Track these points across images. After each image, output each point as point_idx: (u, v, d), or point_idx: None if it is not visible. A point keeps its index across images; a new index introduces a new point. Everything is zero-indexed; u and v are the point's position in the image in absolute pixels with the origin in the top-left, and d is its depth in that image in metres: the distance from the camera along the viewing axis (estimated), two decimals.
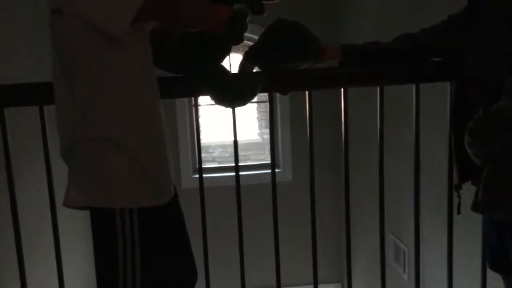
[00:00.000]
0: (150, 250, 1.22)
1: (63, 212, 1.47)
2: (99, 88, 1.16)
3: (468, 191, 1.43)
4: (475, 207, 1.31)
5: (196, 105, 4.25)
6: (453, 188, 1.56)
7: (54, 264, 1.60)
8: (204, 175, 1.71)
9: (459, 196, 1.49)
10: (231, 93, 1.39)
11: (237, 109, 1.60)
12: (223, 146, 6.70)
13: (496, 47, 1.29)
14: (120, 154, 1.17)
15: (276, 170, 4.41)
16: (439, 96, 1.61)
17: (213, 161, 6.49)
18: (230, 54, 1.53)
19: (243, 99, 1.43)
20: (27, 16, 2.53)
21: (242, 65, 1.48)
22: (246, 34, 1.32)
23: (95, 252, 1.26)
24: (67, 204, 1.21)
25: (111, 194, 1.18)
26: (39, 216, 2.12)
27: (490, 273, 1.54)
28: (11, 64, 2.32)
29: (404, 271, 2.98)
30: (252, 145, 6.76)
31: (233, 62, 4.26)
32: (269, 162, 1.70)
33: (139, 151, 1.19)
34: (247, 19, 1.34)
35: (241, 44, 1.35)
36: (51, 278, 1.67)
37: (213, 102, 1.45)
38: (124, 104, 1.18)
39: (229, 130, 1.71)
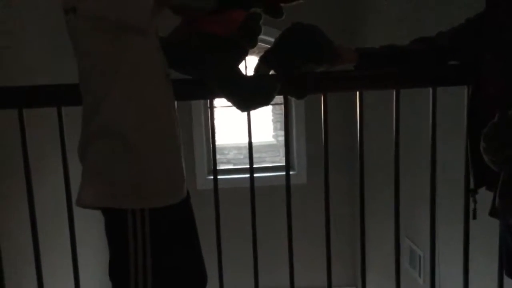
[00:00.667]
0: (161, 250, 1.22)
1: (80, 212, 1.49)
2: (114, 81, 1.17)
3: (486, 196, 1.41)
4: (492, 213, 1.29)
5: (212, 107, 4.25)
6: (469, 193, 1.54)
7: (71, 264, 1.63)
8: (219, 177, 1.72)
9: (474, 201, 1.47)
10: (248, 97, 1.39)
11: (252, 111, 1.60)
12: (238, 148, 6.71)
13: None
14: (131, 154, 1.17)
15: (291, 172, 4.42)
16: (456, 100, 1.60)
17: (228, 162, 6.51)
18: (247, 57, 1.54)
19: (260, 103, 1.44)
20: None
21: (258, 68, 1.48)
22: (263, 37, 1.32)
23: (110, 252, 1.27)
24: (79, 203, 1.22)
25: (122, 195, 1.18)
26: (56, 217, 2.15)
27: (507, 279, 1.52)
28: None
29: (420, 276, 2.96)
30: (267, 147, 6.76)
31: (249, 65, 4.28)
32: (284, 164, 1.70)
33: (151, 151, 1.19)
34: (261, 22, 1.34)
35: (257, 47, 1.35)
36: (68, 278, 1.69)
37: (229, 104, 1.46)
38: (138, 102, 1.18)
39: (244, 132, 1.71)
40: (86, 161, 1.22)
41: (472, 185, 1.47)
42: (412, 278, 3.05)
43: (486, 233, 1.79)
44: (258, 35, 1.36)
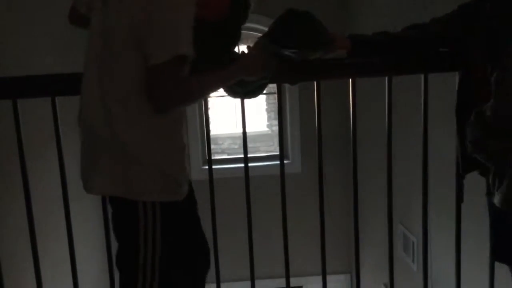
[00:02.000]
0: (169, 238, 1.34)
1: (75, 205, 1.49)
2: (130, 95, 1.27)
3: (478, 179, 1.43)
4: (489, 194, 1.33)
5: (206, 97, 4.26)
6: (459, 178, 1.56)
7: (67, 250, 1.63)
8: (213, 167, 1.72)
9: (462, 185, 1.50)
10: (244, 83, 1.41)
11: (246, 100, 1.61)
12: (233, 138, 6.71)
13: (498, 36, 1.29)
14: (144, 167, 1.29)
15: (285, 161, 4.42)
16: (448, 86, 1.61)
17: (222, 152, 6.52)
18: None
19: (255, 91, 1.45)
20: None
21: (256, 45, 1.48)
22: (254, 25, 1.33)
23: (118, 242, 1.37)
24: (91, 191, 1.35)
25: (137, 192, 1.31)
26: (52, 208, 2.16)
27: (498, 263, 1.54)
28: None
29: (413, 262, 2.99)
30: (261, 137, 6.77)
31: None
32: (278, 153, 1.71)
33: (163, 164, 1.31)
34: None
35: (248, 37, 1.36)
36: (64, 265, 1.70)
37: (223, 93, 1.46)
38: (155, 121, 1.29)
39: (238, 122, 1.72)
40: (101, 154, 1.31)
41: (461, 171, 1.49)
42: (406, 264, 3.09)
43: (478, 218, 1.81)
44: (249, 8, 1.40)
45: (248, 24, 1.76)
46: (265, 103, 6.35)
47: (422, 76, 1.58)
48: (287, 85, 1.56)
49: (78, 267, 1.67)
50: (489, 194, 1.35)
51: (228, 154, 6.09)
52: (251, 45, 1.52)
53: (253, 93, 1.52)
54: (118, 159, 1.29)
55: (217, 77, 1.35)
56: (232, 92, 1.50)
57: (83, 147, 1.37)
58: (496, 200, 1.27)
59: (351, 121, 1.62)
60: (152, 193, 1.31)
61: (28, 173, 1.58)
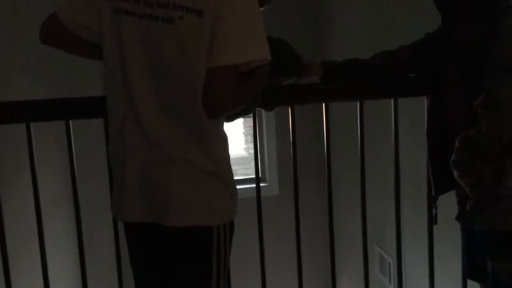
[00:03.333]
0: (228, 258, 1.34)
1: (50, 229, 1.48)
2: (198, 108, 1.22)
3: (450, 200, 1.47)
4: (459, 217, 1.36)
5: None
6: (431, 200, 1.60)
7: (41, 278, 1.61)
8: None
9: (435, 207, 1.53)
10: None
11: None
12: None
13: (475, 59, 1.33)
14: (217, 180, 1.27)
15: (263, 184, 4.43)
16: (419, 108, 1.66)
17: None
18: None
19: (242, 114, 1.47)
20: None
21: None
22: None
23: (186, 270, 1.30)
24: (167, 222, 1.26)
25: (212, 214, 1.27)
26: (26, 230, 2.12)
27: (471, 282, 1.58)
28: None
29: (390, 283, 3.02)
30: (238, 160, 6.78)
31: None
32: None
33: (228, 176, 1.30)
34: None
35: None
36: None
37: None
38: (223, 133, 1.30)
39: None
40: (171, 182, 1.25)
41: (432, 192, 1.54)
42: (382, 284, 3.11)
43: (452, 237, 1.85)
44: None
45: None
46: (242, 126, 6.39)
47: (392, 101, 1.64)
48: (263, 110, 1.59)
49: None
50: (463, 217, 1.37)
51: None
52: None
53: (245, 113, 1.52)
54: (197, 179, 1.24)
55: (249, 87, 1.31)
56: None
57: (132, 175, 1.27)
58: (478, 221, 1.30)
59: (325, 144, 1.66)
60: (228, 212, 1.30)
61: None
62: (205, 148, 1.24)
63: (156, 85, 1.22)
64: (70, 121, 1.55)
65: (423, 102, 1.62)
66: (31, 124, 1.54)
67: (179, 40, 1.17)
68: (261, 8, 1.35)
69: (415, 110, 1.73)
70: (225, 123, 1.36)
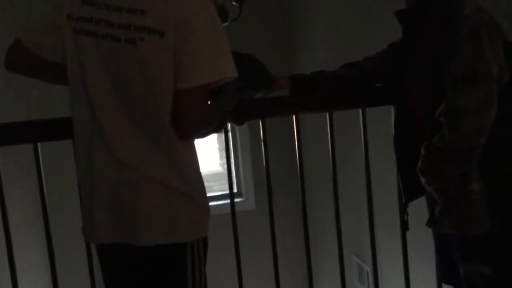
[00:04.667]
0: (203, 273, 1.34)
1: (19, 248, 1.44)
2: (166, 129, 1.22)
3: (422, 206, 1.50)
4: (429, 223, 1.39)
5: None
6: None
7: None
8: None
9: (406, 214, 1.56)
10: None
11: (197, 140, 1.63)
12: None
13: (436, 69, 1.37)
14: (188, 198, 1.26)
15: (239, 199, 4.42)
16: (388, 117, 1.70)
17: None
18: None
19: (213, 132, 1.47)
20: None
21: None
22: None
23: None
24: (140, 242, 1.24)
25: (184, 231, 1.26)
26: None
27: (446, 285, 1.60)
28: None
29: None
30: (214, 176, 6.74)
31: None
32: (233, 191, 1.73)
33: (199, 193, 1.30)
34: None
35: None
36: None
37: None
38: (193, 151, 1.30)
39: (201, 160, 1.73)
40: (137, 201, 1.24)
41: (403, 199, 1.56)
42: None
43: (425, 242, 1.88)
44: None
45: None
46: (216, 142, 6.38)
47: (360, 110, 1.67)
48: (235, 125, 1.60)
49: None
50: (432, 223, 1.40)
51: None
52: None
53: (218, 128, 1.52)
54: (167, 198, 1.23)
55: (218, 106, 1.32)
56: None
57: (102, 196, 1.25)
58: (446, 226, 1.33)
59: (297, 155, 1.67)
60: (200, 228, 1.29)
61: None
62: (175, 167, 1.24)
63: (121, 105, 1.21)
64: (39, 144, 1.52)
65: (391, 111, 1.65)
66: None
67: (141, 60, 1.17)
68: (224, 24, 1.37)
69: (386, 118, 1.76)
70: (196, 139, 1.36)
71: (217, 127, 1.43)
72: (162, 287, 1.29)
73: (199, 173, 1.32)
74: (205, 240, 1.33)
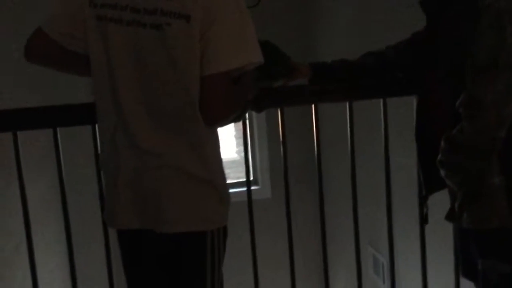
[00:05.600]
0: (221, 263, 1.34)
1: (39, 238, 1.46)
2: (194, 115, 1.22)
3: (441, 200, 1.47)
4: (449, 217, 1.36)
5: None
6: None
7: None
8: None
9: (426, 206, 1.54)
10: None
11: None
12: None
13: (457, 60, 1.34)
14: (210, 186, 1.26)
15: (255, 187, 4.43)
16: (409, 108, 1.67)
17: None
18: None
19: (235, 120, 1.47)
20: None
21: None
22: None
23: (180, 275, 1.30)
24: (162, 229, 1.25)
25: (205, 219, 1.27)
26: (15, 238, 2.10)
27: (465, 280, 1.58)
28: None
29: (384, 283, 3.02)
30: (230, 163, 6.76)
31: None
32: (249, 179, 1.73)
33: (221, 181, 1.30)
34: None
35: None
36: None
37: None
38: (216, 138, 1.31)
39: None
40: (161, 190, 1.24)
41: (423, 192, 1.54)
42: (376, 285, 3.11)
43: (444, 236, 1.86)
44: None
45: None
46: (233, 129, 6.38)
47: (381, 100, 1.64)
48: (253, 112, 1.59)
49: None
50: (452, 216, 1.38)
51: None
52: None
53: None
54: (190, 186, 1.24)
55: (243, 91, 1.31)
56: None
57: (126, 185, 1.26)
58: (465, 220, 1.31)
59: (315, 145, 1.66)
60: (221, 217, 1.29)
61: None
62: (198, 154, 1.24)
63: (146, 92, 1.21)
64: (58, 129, 1.53)
65: (413, 102, 1.62)
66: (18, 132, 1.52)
67: (167, 46, 1.16)
68: (251, 6, 1.36)
69: (406, 109, 1.73)
70: (219, 127, 1.36)
71: (238, 116, 1.43)
72: (181, 274, 1.30)
73: (221, 161, 1.32)
74: (225, 229, 1.33)
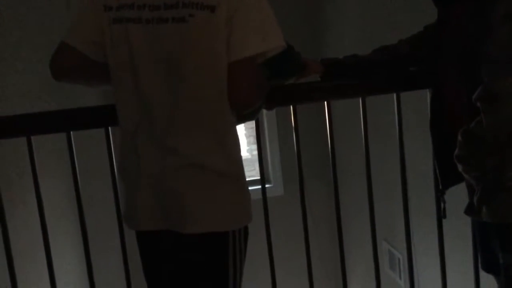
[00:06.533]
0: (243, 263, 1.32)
1: (54, 240, 1.46)
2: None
3: (459, 194, 1.45)
4: (468, 211, 1.35)
5: None
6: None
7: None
8: None
9: (443, 201, 1.52)
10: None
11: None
12: None
13: (471, 53, 1.32)
14: (233, 183, 1.25)
15: (267, 185, 4.43)
16: (423, 102, 1.65)
17: None
18: None
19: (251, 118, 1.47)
20: None
21: None
22: None
23: (202, 276, 1.28)
24: (184, 230, 1.23)
25: (227, 219, 1.25)
26: (31, 242, 2.11)
27: (482, 274, 1.56)
28: None
29: (400, 278, 3.00)
30: None
31: None
32: (259, 178, 1.72)
33: (243, 178, 1.28)
34: None
35: None
36: None
37: None
38: (237, 133, 1.29)
39: None
40: (173, 189, 1.23)
41: (440, 186, 1.52)
42: (392, 280, 3.09)
43: (462, 230, 1.84)
44: None
45: None
46: (243, 128, 6.37)
47: (395, 95, 1.62)
48: (264, 110, 1.58)
49: None
50: (471, 211, 1.36)
51: None
52: None
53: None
54: (213, 186, 1.22)
55: (265, 81, 1.31)
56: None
57: (147, 183, 1.25)
58: (485, 214, 1.29)
59: (329, 142, 1.64)
60: (243, 216, 1.27)
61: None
62: (224, 149, 1.23)
63: (172, 90, 1.19)
64: (72, 133, 1.54)
65: (427, 95, 1.60)
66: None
67: (192, 38, 1.16)
68: None
69: (421, 103, 1.71)
70: (238, 124, 1.35)
71: (253, 114, 1.42)
72: (203, 277, 1.28)
73: (241, 159, 1.30)
74: (246, 229, 1.31)
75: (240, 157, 1.30)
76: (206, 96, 1.19)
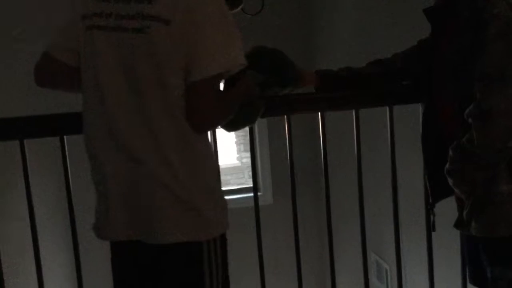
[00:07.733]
0: (224, 272, 1.31)
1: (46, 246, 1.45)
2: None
3: (447, 208, 1.47)
4: (457, 224, 1.37)
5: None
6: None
7: None
8: None
9: (433, 214, 1.54)
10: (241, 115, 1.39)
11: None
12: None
13: (464, 69, 1.34)
14: (204, 194, 1.25)
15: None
16: (415, 116, 1.67)
17: None
18: None
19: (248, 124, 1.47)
20: None
21: None
22: None
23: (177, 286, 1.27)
24: (155, 240, 1.23)
25: (200, 229, 1.24)
26: (20, 249, 2.09)
27: (471, 286, 1.58)
28: None
29: None
30: (231, 170, 6.76)
31: None
32: (250, 186, 1.72)
33: (215, 188, 1.30)
34: None
35: None
36: None
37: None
38: (207, 144, 1.30)
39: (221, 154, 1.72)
40: (153, 197, 1.22)
41: (430, 199, 1.54)
42: None
43: (450, 243, 1.85)
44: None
45: None
46: (234, 135, 6.37)
47: (387, 108, 1.64)
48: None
49: None
50: (460, 224, 1.38)
51: None
52: None
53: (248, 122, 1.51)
54: (182, 194, 1.21)
55: (234, 96, 1.32)
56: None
57: (117, 196, 1.24)
58: (474, 228, 1.31)
59: (322, 153, 1.66)
60: (217, 225, 1.27)
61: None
62: (189, 161, 1.23)
63: (134, 98, 1.21)
64: (65, 137, 1.53)
65: (419, 109, 1.62)
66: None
67: (149, 49, 1.18)
68: (234, 10, 1.37)
69: (412, 117, 1.73)
70: (227, 132, 1.36)
71: (251, 119, 1.42)
72: (178, 285, 1.27)
73: (214, 168, 1.31)
74: (222, 236, 1.30)
75: (212, 166, 1.31)
76: (162, 110, 1.20)
